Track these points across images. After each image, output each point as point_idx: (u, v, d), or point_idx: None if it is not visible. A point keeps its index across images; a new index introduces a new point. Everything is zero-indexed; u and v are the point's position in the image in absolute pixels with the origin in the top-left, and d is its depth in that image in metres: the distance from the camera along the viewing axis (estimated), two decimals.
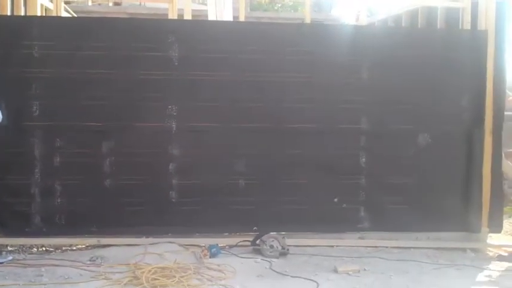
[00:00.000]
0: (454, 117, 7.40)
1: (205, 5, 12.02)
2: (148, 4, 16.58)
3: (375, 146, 7.27)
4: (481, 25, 7.48)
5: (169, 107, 6.86)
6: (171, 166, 6.91)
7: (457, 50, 7.37)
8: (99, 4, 16.56)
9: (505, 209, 9.80)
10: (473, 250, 7.30)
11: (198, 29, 7.06)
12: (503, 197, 7.91)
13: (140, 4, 16.75)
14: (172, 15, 7.29)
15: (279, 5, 31.22)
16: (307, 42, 7.12)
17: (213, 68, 6.93)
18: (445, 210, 7.41)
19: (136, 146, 6.87)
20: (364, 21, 7.63)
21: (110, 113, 6.82)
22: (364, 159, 7.25)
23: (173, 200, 6.95)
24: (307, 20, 7.39)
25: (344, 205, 7.26)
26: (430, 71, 7.30)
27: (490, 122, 7.46)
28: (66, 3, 16.99)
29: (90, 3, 15.87)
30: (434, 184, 7.39)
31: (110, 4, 15.99)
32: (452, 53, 7.35)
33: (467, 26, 7.56)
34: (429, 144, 7.34)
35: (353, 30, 7.65)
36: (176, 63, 6.86)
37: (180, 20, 7.27)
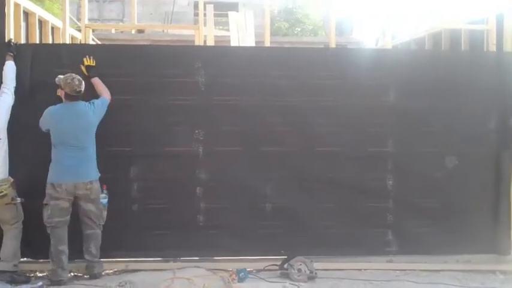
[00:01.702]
0: (481, 138, 7.38)
1: (228, 31, 12.16)
2: (171, 31, 16.79)
3: (402, 169, 7.25)
4: (507, 47, 7.47)
5: (196, 131, 6.93)
6: (198, 190, 6.96)
7: (482, 72, 7.36)
8: (122, 32, 16.83)
9: None
10: (503, 272, 7.23)
11: (223, 55, 7.15)
12: None
13: (163, 31, 16.98)
14: (199, 42, 7.38)
15: (299, 29, 31.41)
16: (333, 66, 7.16)
17: (238, 92, 6.99)
18: (474, 232, 7.34)
19: (164, 170, 6.93)
20: (388, 44, 7.66)
21: (137, 137, 6.89)
22: (391, 182, 7.23)
23: (200, 224, 6.98)
24: (332, 44, 7.42)
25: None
26: (456, 93, 7.28)
27: None
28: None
29: (113, 31, 16.12)
30: (462, 206, 7.34)
31: (133, 32, 16.23)
32: (478, 75, 7.34)
33: (493, 47, 7.57)
34: (456, 166, 7.31)
35: (378, 53, 7.72)
36: (203, 89, 6.94)
37: (206, 46, 7.39)
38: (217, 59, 7.04)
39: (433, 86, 7.25)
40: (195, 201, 6.96)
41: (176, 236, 6.94)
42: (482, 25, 7.80)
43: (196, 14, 23.96)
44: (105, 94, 6.59)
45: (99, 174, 6.46)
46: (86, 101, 6.44)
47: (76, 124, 6.30)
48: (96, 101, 6.46)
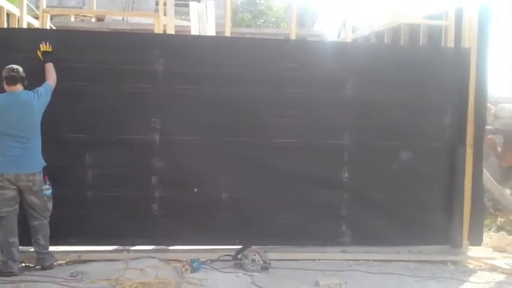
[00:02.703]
0: (437, 133, 7.50)
1: (189, 21, 12.03)
2: (131, 19, 16.58)
3: (358, 161, 7.31)
4: (464, 43, 7.58)
5: (153, 119, 6.86)
6: (153, 179, 6.89)
7: (440, 67, 7.48)
8: (82, 20, 16.55)
9: (485, 221, 9.94)
10: (454, 263, 7.41)
11: (183, 44, 7.09)
12: (484, 210, 7.99)
13: (123, 19, 16.74)
14: (158, 30, 7.27)
15: (262, 21, 31.39)
16: (292, 57, 7.16)
17: (197, 81, 6.94)
18: (427, 224, 7.50)
19: (119, 158, 6.83)
20: (348, 37, 7.68)
21: (93, 125, 6.79)
22: (346, 174, 7.28)
23: (155, 213, 6.92)
24: (293, 36, 7.42)
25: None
26: (413, 87, 7.38)
27: (471, 137, 7.57)
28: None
29: (73, 19, 15.86)
30: (416, 199, 7.46)
31: (93, 20, 15.97)
32: (436, 70, 7.46)
33: (451, 43, 7.66)
34: (412, 159, 7.40)
35: (338, 46, 7.73)
36: (161, 77, 6.87)
37: (165, 35, 7.31)
38: (177, 48, 6.97)
39: (390, 80, 7.31)
40: (150, 190, 6.90)
41: (131, 225, 6.88)
42: (441, 20, 7.86)
43: (157, 3, 23.71)
44: (50, 80, 6.44)
45: (45, 164, 6.30)
46: (30, 89, 6.29)
47: (18, 114, 6.14)
48: (39, 89, 6.29)
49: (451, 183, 7.52)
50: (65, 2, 24.01)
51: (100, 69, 6.77)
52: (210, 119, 6.99)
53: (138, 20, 16.27)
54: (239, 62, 7.03)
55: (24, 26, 7.27)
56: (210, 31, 11.59)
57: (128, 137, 6.84)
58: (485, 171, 10.27)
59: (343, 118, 7.24)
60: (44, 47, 6.56)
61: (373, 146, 7.32)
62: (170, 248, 7.13)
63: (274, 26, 28.56)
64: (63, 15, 18.22)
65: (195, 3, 12.15)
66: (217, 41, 7.63)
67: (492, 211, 10.79)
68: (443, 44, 7.88)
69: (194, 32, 10.90)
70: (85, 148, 6.78)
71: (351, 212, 7.32)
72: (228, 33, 7.52)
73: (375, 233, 7.38)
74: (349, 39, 7.75)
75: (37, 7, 22.87)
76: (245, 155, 7.06)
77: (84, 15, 17.39)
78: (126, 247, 7.09)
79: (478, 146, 7.61)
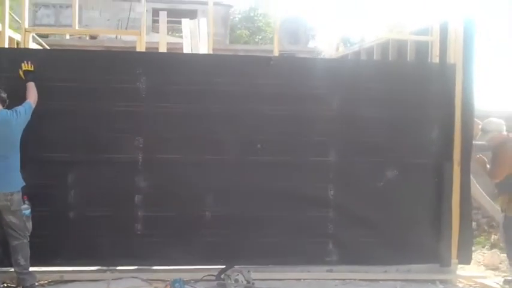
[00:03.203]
0: (423, 149, 7.43)
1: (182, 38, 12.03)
2: (125, 37, 16.62)
3: (344, 179, 7.24)
4: (450, 58, 7.54)
5: (137, 138, 6.81)
6: (137, 198, 6.83)
7: (425, 83, 7.42)
8: (79, 37, 16.60)
9: (479, 239, 9.88)
10: (443, 282, 7.31)
11: (165, 61, 7.04)
12: (472, 228, 7.91)
13: (116, 37, 16.78)
14: (140, 48, 7.23)
15: (259, 38, 31.49)
16: (276, 74, 7.12)
17: (180, 99, 6.90)
18: (415, 242, 7.39)
19: (102, 177, 6.79)
20: (332, 54, 7.65)
21: (76, 144, 6.75)
22: (332, 192, 7.21)
23: (138, 233, 6.85)
24: (276, 53, 7.38)
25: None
26: (399, 104, 7.32)
27: (459, 154, 7.50)
28: (42, 37, 17.03)
29: (67, 37, 15.91)
30: (403, 217, 7.37)
31: (87, 38, 16.02)
32: (421, 86, 7.40)
33: (436, 59, 7.62)
34: (398, 177, 7.32)
35: (323, 62, 7.69)
36: (143, 95, 6.82)
37: (147, 52, 7.28)
38: (159, 66, 6.93)
39: (375, 96, 7.25)
40: (133, 209, 6.83)
41: (114, 245, 6.81)
42: (427, 36, 7.83)
43: (154, 21, 23.95)
44: (31, 99, 6.38)
45: (23, 184, 6.22)
46: (10, 108, 6.24)
47: None
48: (19, 108, 6.23)
49: (438, 201, 7.43)
50: (62, 19, 24.12)
51: (82, 88, 6.74)
52: (194, 137, 6.93)
53: (132, 38, 16.28)
54: (223, 79, 6.98)
55: (6, 41, 7.22)
56: (203, 48, 11.59)
57: (110, 156, 6.79)
58: (478, 187, 10.27)
59: (328, 135, 7.18)
60: (26, 66, 6.53)
61: (359, 163, 7.25)
62: (154, 267, 7.02)
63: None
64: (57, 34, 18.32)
65: (188, 20, 12.16)
66: (200, 58, 7.60)
67: (486, 228, 10.72)
68: (430, 60, 7.83)
69: (186, 49, 10.89)
70: (67, 167, 6.72)
71: (337, 231, 7.23)
72: (210, 50, 7.50)
73: (362, 252, 7.27)
74: (333, 55, 7.69)
75: (34, 24, 23.09)
76: (229, 172, 7.00)
77: (80, 34, 17.46)
78: (110, 267, 6.99)
79: (466, 162, 7.52)
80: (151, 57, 7.11)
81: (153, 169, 6.86)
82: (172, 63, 7.02)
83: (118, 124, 6.79)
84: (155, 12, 20.41)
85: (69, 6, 23.20)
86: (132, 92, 6.81)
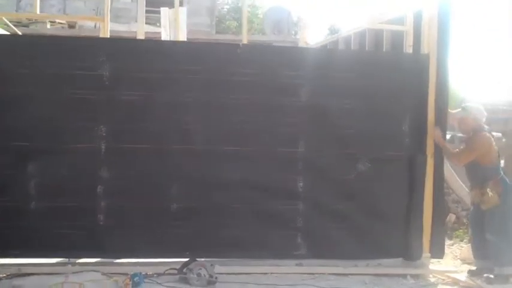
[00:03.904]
0: (396, 141, 7.26)
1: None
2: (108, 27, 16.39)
3: (313, 171, 7.06)
4: (424, 48, 7.37)
5: (99, 127, 6.61)
6: (99, 188, 6.63)
7: (398, 74, 7.24)
8: (62, 27, 16.40)
9: (457, 232, 9.77)
10: (414, 276, 7.14)
11: (130, 48, 6.83)
12: (445, 222, 7.78)
13: (95, 27, 16.56)
14: (104, 34, 7.02)
15: (247, 29, 31.27)
16: (245, 63, 6.92)
17: (145, 88, 6.69)
18: (386, 236, 7.25)
19: (63, 166, 6.58)
20: (304, 42, 7.46)
21: (36, 132, 6.53)
22: (301, 184, 7.03)
23: (101, 224, 6.65)
24: (245, 41, 7.19)
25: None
26: (370, 95, 7.14)
27: (432, 146, 7.33)
28: (23, 26, 16.81)
29: (49, 27, 15.71)
30: (374, 210, 7.21)
31: (63, 27, 15.83)
32: (394, 77, 7.21)
33: (409, 49, 7.46)
34: (369, 169, 7.15)
35: (292, 51, 7.47)
36: (107, 83, 6.61)
37: (112, 39, 7.11)
38: (124, 53, 6.72)
39: (346, 87, 7.08)
40: (96, 199, 6.63)
41: (76, 236, 6.60)
42: (401, 26, 7.65)
43: (146, 12, 23.65)
44: None
45: None
46: None
47: None
48: None
49: (410, 194, 7.28)
50: (46, 9, 23.77)
51: (43, 75, 6.52)
52: (159, 126, 6.74)
53: (112, 28, 16.04)
54: (189, 67, 6.78)
55: None
56: (181, 37, 11.40)
57: (72, 145, 6.57)
58: (458, 179, 10.17)
59: (297, 126, 7.00)
60: None
61: (329, 155, 7.08)
62: (116, 261, 6.85)
63: (260, 34, 28.44)
64: (40, 22, 18.10)
65: (167, 9, 11.96)
66: (166, 45, 7.38)
67: (465, 221, 10.61)
68: (404, 49, 7.67)
69: (164, 38, 10.69)
70: (27, 157, 6.51)
71: (306, 224, 7.06)
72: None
73: (332, 246, 7.12)
74: (304, 44, 7.50)
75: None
76: (195, 163, 6.81)
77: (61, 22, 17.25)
78: (71, 260, 6.81)
79: (439, 155, 7.37)
80: (115, 44, 6.92)
81: (116, 159, 6.66)
82: (137, 50, 6.80)
83: (80, 112, 6.58)
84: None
85: None
86: (94, 80, 6.59)
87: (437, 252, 7.43)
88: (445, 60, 7.38)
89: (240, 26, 31.51)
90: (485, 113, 7.33)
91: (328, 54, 7.75)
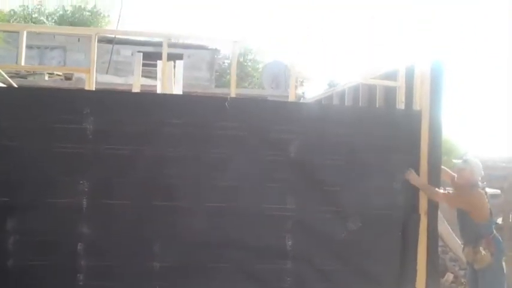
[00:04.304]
0: (387, 199, 7.03)
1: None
2: (101, 79, 16.41)
3: (302, 229, 6.80)
4: (416, 104, 7.24)
5: (81, 182, 6.39)
6: (79, 246, 6.38)
7: (389, 130, 7.05)
8: (61, 79, 16.41)
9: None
10: None
11: (115, 101, 6.66)
12: (439, 282, 7.52)
13: None
14: (89, 86, 6.90)
15: (247, 83, 31.49)
16: (233, 116, 6.74)
17: (130, 141, 6.51)
18: None
19: (43, 223, 6.33)
20: (293, 96, 7.29)
21: (16, 187, 6.31)
22: (290, 242, 6.77)
23: (81, 284, 6.37)
24: (233, 94, 7.05)
25: None
26: (362, 151, 6.96)
27: (425, 203, 7.14)
28: (21, 77, 16.85)
29: (46, 78, 15.74)
30: (364, 271, 6.94)
31: (62, 79, 15.87)
32: (385, 133, 7.03)
33: (401, 105, 7.33)
34: (360, 228, 6.90)
35: (282, 105, 7.31)
36: (90, 136, 6.43)
37: (96, 91, 6.92)
38: (108, 105, 6.55)
39: (337, 143, 6.91)
40: (75, 258, 6.37)
41: None
42: (394, 82, 7.53)
43: (143, 64, 23.87)
44: None
45: None
46: None
47: None
48: None
49: (403, 255, 7.04)
50: (47, 61, 23.98)
51: (25, 128, 6.34)
52: (143, 182, 6.53)
53: (107, 80, 16.11)
54: (175, 120, 6.60)
55: None
56: (177, 90, 11.35)
57: (53, 200, 6.34)
58: (454, 236, 9.92)
59: (286, 182, 6.77)
60: None
61: (319, 213, 6.84)
62: None
63: (261, 88, 28.61)
64: (38, 74, 18.15)
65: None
66: (154, 98, 7.16)
67: (463, 281, 10.38)
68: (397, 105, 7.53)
69: (160, 91, 10.64)
70: (6, 212, 6.28)
71: (295, 283, 6.78)
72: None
73: None
74: (292, 98, 7.31)
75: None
76: (179, 221, 6.57)
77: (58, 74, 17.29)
78: None
79: (433, 213, 7.16)
80: (99, 96, 6.76)
81: (98, 215, 6.42)
82: (123, 103, 6.64)
83: (62, 166, 6.37)
84: (144, 57, 20.30)
85: (53, 48, 23.18)
86: (78, 133, 6.40)
87: None
88: (438, 115, 7.24)
89: (240, 80, 31.84)
90: (482, 172, 7.20)
91: (318, 109, 7.55)
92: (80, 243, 6.38)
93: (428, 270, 7.10)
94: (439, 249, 10.83)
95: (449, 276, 10.78)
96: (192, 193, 6.63)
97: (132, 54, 24.39)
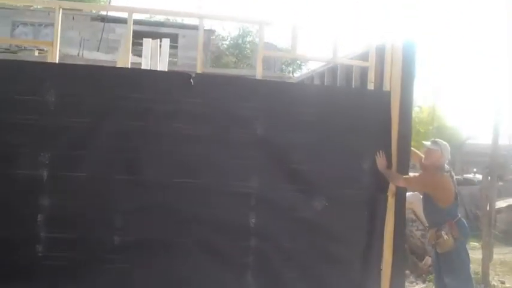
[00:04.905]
0: (355, 179, 6.98)
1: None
2: (88, 55, 16.37)
3: (266, 207, 6.75)
4: (386, 85, 7.14)
5: (42, 154, 6.34)
6: (39, 217, 6.33)
7: (358, 110, 6.98)
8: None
9: (431, 276, 9.46)
10: None
11: (78, 74, 6.59)
12: (406, 262, 7.48)
13: (78, 55, 16.53)
14: (52, 59, 6.79)
15: (246, 64, 31.44)
16: (198, 93, 6.67)
17: (92, 114, 6.45)
18: (341, 278, 6.95)
19: (2, 195, 6.29)
20: (259, 74, 7.18)
21: None
22: (253, 220, 6.72)
23: (40, 255, 6.33)
24: (198, 70, 6.97)
25: None
26: (329, 131, 6.89)
27: (394, 185, 7.05)
28: (11, 53, 16.80)
29: (36, 54, 15.68)
30: (329, 250, 6.90)
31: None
32: (353, 113, 6.96)
33: (371, 85, 7.24)
34: (326, 208, 6.85)
35: (249, 83, 7.24)
36: (52, 108, 6.36)
37: (58, 64, 6.80)
38: (70, 78, 6.47)
39: (304, 122, 6.84)
40: (35, 229, 6.32)
41: (12, 268, 6.28)
42: (365, 62, 7.42)
43: (134, 44, 23.84)
44: None
45: None
46: None
47: None
48: None
49: (369, 235, 7.00)
50: (41, 37, 23.88)
51: None
52: (105, 155, 6.47)
53: (95, 56, 16.03)
54: (139, 95, 6.53)
55: None
56: (162, 68, 11.30)
57: (12, 171, 6.29)
58: None
59: (251, 160, 6.71)
60: None
61: (284, 191, 6.79)
62: None
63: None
64: (29, 49, 18.09)
65: (150, 40, 11.89)
66: (116, 72, 7.06)
67: None
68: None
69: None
70: None
71: (258, 262, 6.73)
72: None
73: (284, 286, 6.79)
74: (259, 76, 7.19)
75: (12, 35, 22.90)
76: (142, 194, 6.51)
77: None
78: None
79: (402, 194, 7.10)
80: (62, 69, 6.68)
81: (59, 187, 6.37)
82: (85, 76, 6.57)
83: (22, 138, 6.31)
84: (137, 35, 20.22)
85: (48, 25, 23.08)
86: (39, 105, 6.34)
87: None
88: (409, 96, 7.17)
89: (238, 62, 31.75)
90: (449, 156, 7.13)
91: (286, 88, 7.46)
92: (40, 215, 6.33)
93: (395, 251, 7.05)
94: (419, 233, 10.90)
95: (428, 260, 10.73)
96: (154, 168, 6.57)
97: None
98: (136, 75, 6.90)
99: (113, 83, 6.56)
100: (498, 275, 11.39)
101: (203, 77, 6.88)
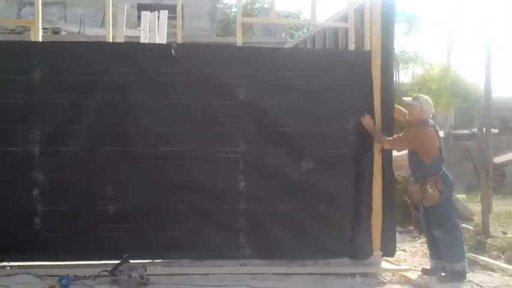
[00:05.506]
0: (340, 139, 7.12)
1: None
2: (88, 31, 16.50)
3: (255, 170, 6.96)
4: (367, 45, 7.24)
5: (32, 130, 6.59)
6: (35, 192, 6.61)
7: (341, 72, 7.11)
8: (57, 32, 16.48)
9: None
10: (364, 275, 7.00)
11: (62, 51, 6.83)
12: (396, 219, 7.62)
13: (79, 32, 16.65)
14: (35, 38, 6.97)
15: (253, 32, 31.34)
16: (181, 62, 6.85)
17: (79, 90, 6.67)
18: (332, 236, 7.12)
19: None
20: (240, 40, 7.30)
21: None
22: (243, 183, 6.93)
23: (37, 227, 6.63)
24: (179, 40, 7.12)
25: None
26: (313, 92, 7.03)
27: None
28: (18, 33, 16.94)
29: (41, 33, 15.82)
30: (319, 209, 7.07)
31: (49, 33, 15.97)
32: (336, 75, 7.10)
33: (352, 46, 7.33)
34: (313, 168, 7.03)
35: (230, 50, 7.39)
36: (38, 86, 6.60)
37: (43, 42, 7.02)
38: (55, 56, 6.71)
39: (288, 85, 7.00)
40: (31, 203, 6.60)
41: (11, 240, 6.55)
42: (344, 24, 7.51)
43: (139, 17, 23.87)
44: None
45: None
46: None
47: None
48: None
49: (357, 192, 7.16)
50: (47, 16, 23.96)
51: None
52: (93, 128, 6.71)
53: (95, 33, 16.16)
54: (123, 68, 6.73)
55: None
56: (161, 41, 11.41)
57: (5, 148, 6.58)
58: None
59: (236, 125, 6.91)
60: None
61: (272, 154, 6.99)
62: (51, 263, 6.69)
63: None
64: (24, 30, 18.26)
65: (147, 13, 11.98)
66: (100, 47, 7.20)
67: None
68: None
69: (143, 41, 10.71)
70: None
71: (249, 224, 6.96)
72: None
73: (276, 246, 7.00)
74: (240, 41, 7.30)
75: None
76: (131, 165, 6.76)
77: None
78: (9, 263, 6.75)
79: (387, 152, 7.22)
80: (46, 47, 6.90)
81: (51, 162, 6.64)
82: (69, 53, 6.79)
83: (13, 116, 6.58)
84: (140, 8, 20.28)
85: (53, 3, 23.20)
86: (27, 83, 6.59)
87: (389, 250, 7.27)
88: (390, 55, 7.29)
89: (246, 29, 31.63)
90: (433, 110, 7.21)
91: (267, 53, 7.56)
92: (35, 189, 6.61)
93: (385, 207, 7.21)
94: None
95: None
96: (143, 138, 6.80)
97: (132, 7, 24.36)
98: (116, 49, 7.13)
99: (95, 59, 6.76)
100: (502, 225, 11.43)
101: (184, 47, 7.04)
